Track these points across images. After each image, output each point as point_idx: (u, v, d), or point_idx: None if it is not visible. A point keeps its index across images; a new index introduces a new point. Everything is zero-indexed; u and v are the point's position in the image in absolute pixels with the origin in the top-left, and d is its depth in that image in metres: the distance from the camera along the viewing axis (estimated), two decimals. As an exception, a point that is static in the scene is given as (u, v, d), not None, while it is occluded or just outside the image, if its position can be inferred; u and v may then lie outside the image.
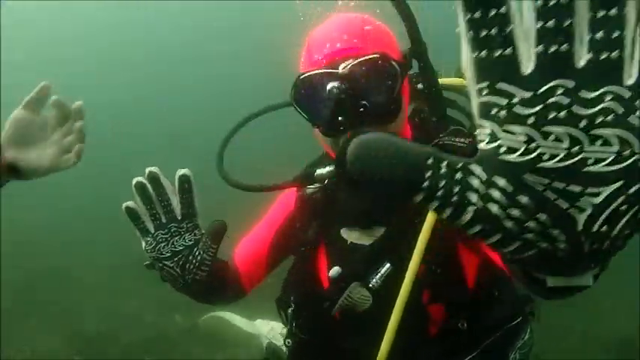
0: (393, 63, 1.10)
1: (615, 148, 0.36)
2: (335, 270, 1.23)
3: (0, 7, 11.25)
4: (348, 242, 1.25)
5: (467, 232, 0.41)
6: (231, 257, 1.39)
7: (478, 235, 0.41)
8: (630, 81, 0.36)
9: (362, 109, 1.10)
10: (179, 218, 1.14)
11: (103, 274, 5.44)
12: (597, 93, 0.35)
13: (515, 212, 0.39)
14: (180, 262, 1.14)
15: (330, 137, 1.17)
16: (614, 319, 4.89)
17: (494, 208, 0.39)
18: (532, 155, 0.37)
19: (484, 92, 0.37)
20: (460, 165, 0.39)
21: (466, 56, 0.38)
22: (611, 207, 0.38)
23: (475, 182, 0.39)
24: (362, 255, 1.22)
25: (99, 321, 4.77)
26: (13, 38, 11.97)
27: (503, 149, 0.38)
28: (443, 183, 0.39)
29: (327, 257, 1.29)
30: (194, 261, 1.14)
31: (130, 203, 1.12)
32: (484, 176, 0.39)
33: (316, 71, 1.12)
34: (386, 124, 1.14)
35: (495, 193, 0.38)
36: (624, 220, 0.39)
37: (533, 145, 0.37)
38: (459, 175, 0.39)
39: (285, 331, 1.41)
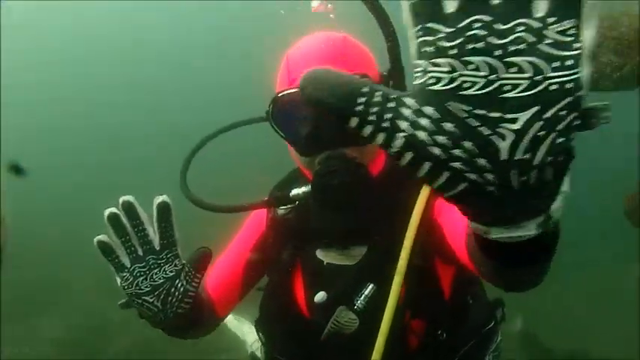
0: None
1: (528, 74, 0.40)
2: (321, 295, 1.22)
3: (0, 7, 11.26)
4: (325, 263, 1.24)
5: (400, 161, 0.44)
6: (202, 284, 1.31)
7: (411, 164, 0.44)
8: (540, 13, 0.39)
9: (340, 130, 1.09)
10: (157, 249, 1.05)
11: (95, 277, 5.43)
12: (510, 25, 0.39)
13: (441, 139, 0.42)
14: (162, 297, 1.06)
15: (306, 157, 1.17)
16: (603, 342, 4.92)
17: (422, 135, 0.42)
18: (455, 84, 0.41)
19: (418, 34, 0.42)
20: (393, 96, 0.43)
21: (405, 7, 0.43)
22: (530, 133, 0.41)
23: (406, 111, 0.42)
24: (345, 276, 1.21)
25: (88, 326, 4.77)
26: (12, 38, 11.97)
27: (430, 80, 0.42)
28: (375, 109, 0.43)
29: (304, 279, 1.28)
30: (176, 293, 1.06)
31: (102, 237, 1.02)
32: (415, 106, 0.42)
33: (296, 90, 1.12)
34: (364, 144, 1.14)
35: (423, 121, 0.42)
36: (545, 145, 0.41)
37: (455, 74, 0.41)
38: (391, 104, 0.43)
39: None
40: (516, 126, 0.40)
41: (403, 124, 0.42)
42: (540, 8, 0.39)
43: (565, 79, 0.40)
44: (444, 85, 0.41)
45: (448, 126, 0.41)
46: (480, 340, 1.31)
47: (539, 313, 5.52)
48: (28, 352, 4.39)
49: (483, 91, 0.40)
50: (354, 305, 1.18)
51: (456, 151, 0.41)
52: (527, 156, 0.41)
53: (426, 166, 0.43)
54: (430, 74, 0.41)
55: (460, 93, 0.41)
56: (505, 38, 0.39)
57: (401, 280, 1.10)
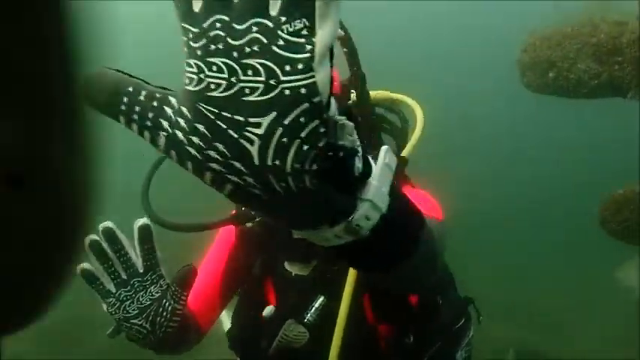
0: (331, 100, 1.11)
1: (263, 77, 0.38)
2: (269, 309, 1.23)
3: None
4: (293, 274, 1.24)
5: (170, 158, 0.44)
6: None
7: (178, 163, 0.44)
8: (274, 12, 0.38)
9: None
10: (141, 272, 1.07)
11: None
12: (246, 25, 0.38)
13: (196, 140, 0.41)
14: (150, 318, 1.07)
15: None
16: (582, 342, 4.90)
17: (180, 135, 0.42)
18: (202, 85, 0.40)
19: (182, 34, 0.41)
20: (158, 95, 0.43)
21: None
22: (274, 139, 0.39)
23: (168, 111, 0.42)
24: (298, 289, 1.22)
25: (66, 322, 4.77)
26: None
27: (185, 81, 0.41)
28: (138, 108, 0.43)
29: (274, 290, 1.28)
30: (164, 313, 1.07)
31: (85, 265, 1.03)
32: (175, 106, 0.42)
33: None
34: None
35: (181, 121, 0.42)
36: (292, 152, 0.40)
37: (202, 75, 0.40)
38: (155, 103, 0.43)
39: None
40: (260, 131, 0.39)
41: (165, 124, 0.42)
42: (275, 7, 0.38)
43: (298, 83, 0.38)
44: (195, 86, 0.40)
45: (200, 127, 0.41)
46: (450, 337, 1.32)
47: (534, 317, 5.52)
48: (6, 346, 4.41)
49: (226, 93, 0.39)
50: (304, 318, 1.18)
51: (211, 153, 0.41)
52: (277, 162, 0.40)
53: (189, 165, 0.43)
54: (186, 74, 0.41)
55: (207, 94, 0.40)
56: (242, 39, 0.38)
57: (351, 288, 1.09)
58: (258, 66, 0.38)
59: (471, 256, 6.40)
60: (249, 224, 1.27)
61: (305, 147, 0.40)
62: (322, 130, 0.40)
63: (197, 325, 1.30)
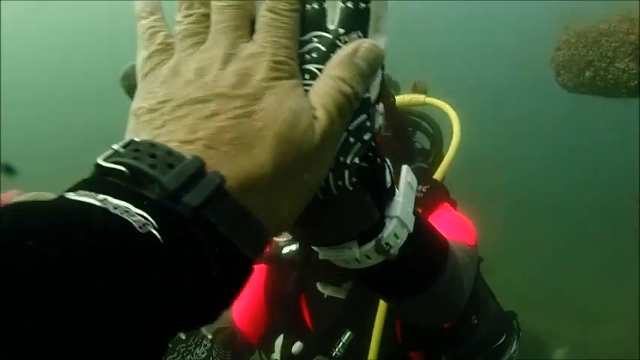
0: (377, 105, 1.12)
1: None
2: (297, 346, 1.24)
3: (0, 5, 11.22)
4: (325, 296, 1.24)
5: None
6: (230, 319, 1.37)
7: None
8: (332, 26, 0.43)
9: None
10: (184, 338, 1.16)
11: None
12: (308, 36, 0.43)
13: None
14: None
15: None
16: (609, 327, 4.86)
17: None
18: None
19: None
20: None
21: None
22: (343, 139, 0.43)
23: None
24: (329, 317, 1.23)
25: None
26: (13, 38, 11.95)
27: None
28: None
29: (309, 312, 1.29)
30: None
31: None
32: None
33: None
34: None
35: None
36: (339, 143, 0.42)
37: None
38: None
39: None
40: None
41: None
42: (334, 20, 0.43)
43: None
44: None
45: None
46: (488, 357, 1.31)
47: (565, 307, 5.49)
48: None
49: None
50: (332, 353, 1.19)
51: None
52: (341, 159, 0.43)
53: None
54: None
55: None
56: (303, 48, 0.42)
57: (381, 322, 1.11)
58: (316, 70, 0.42)
59: (506, 249, 6.44)
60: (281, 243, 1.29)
61: (351, 139, 0.43)
62: (368, 124, 0.43)
63: (248, 344, 1.34)
